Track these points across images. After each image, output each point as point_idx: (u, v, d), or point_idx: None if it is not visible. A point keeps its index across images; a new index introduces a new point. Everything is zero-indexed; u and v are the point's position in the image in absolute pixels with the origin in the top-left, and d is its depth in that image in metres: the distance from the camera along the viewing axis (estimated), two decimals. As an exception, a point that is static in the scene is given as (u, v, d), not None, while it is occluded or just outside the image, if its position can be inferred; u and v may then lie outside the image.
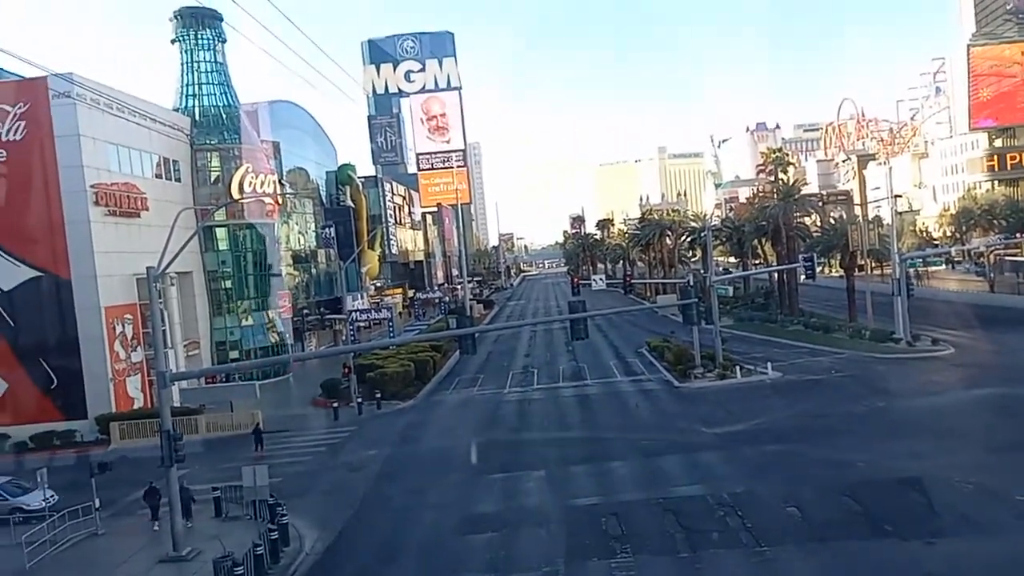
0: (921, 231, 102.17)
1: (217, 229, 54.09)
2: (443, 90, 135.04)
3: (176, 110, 53.25)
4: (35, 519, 24.37)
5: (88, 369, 40.86)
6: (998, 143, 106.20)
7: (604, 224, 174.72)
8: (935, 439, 27.54)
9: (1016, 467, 23.44)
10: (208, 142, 53.37)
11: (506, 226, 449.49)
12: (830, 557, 18.45)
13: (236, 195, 52.58)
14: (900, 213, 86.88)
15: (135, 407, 42.24)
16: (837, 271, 75.02)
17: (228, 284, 54.28)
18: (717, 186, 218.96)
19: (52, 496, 25.85)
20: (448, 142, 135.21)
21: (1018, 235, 63.66)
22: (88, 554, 23.27)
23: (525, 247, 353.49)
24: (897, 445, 26.97)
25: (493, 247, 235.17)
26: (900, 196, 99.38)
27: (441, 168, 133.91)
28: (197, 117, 53.53)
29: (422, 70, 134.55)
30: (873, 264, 62.55)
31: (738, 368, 42.89)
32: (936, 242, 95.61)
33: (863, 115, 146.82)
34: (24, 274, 40.53)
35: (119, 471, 27.22)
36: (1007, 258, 73.07)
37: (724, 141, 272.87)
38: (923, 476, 22.94)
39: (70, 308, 40.79)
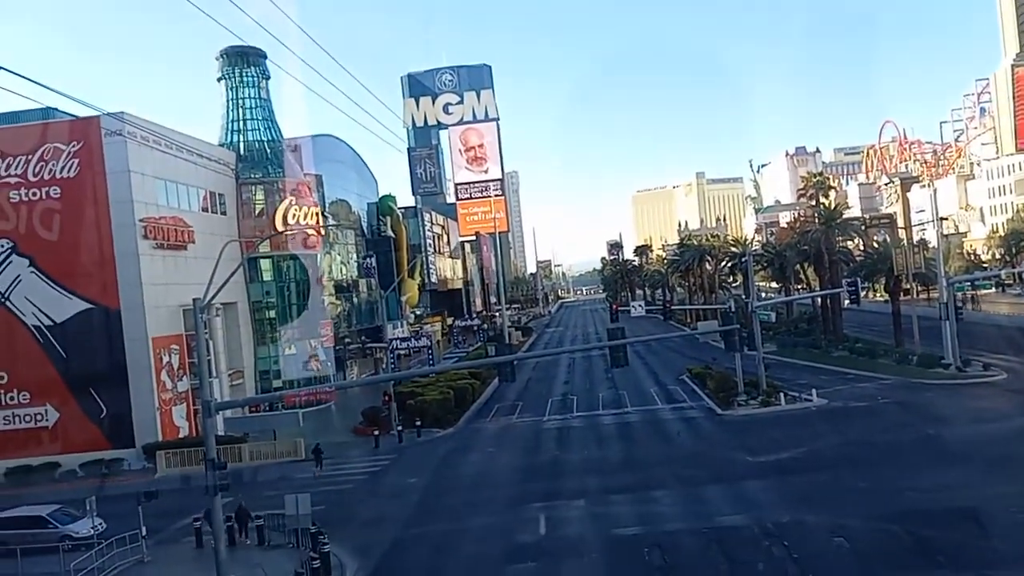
0: (969, 254, 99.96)
1: (261, 260, 55.08)
2: (481, 121, 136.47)
3: (222, 145, 54.65)
4: (83, 547, 24.83)
5: (136, 398, 41.70)
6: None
7: (642, 250, 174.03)
8: (988, 468, 26.70)
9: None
10: (253, 176, 54.60)
11: (544, 253, 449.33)
12: (880, 589, 17.96)
13: (280, 227, 53.56)
14: (946, 236, 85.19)
15: (180, 436, 42.93)
16: (882, 295, 73.62)
17: (272, 314, 55.15)
18: (757, 211, 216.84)
19: (100, 524, 26.31)
20: (486, 172, 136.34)
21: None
22: (135, 581, 23.61)
23: (563, 274, 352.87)
24: (948, 474, 26.23)
25: (531, 274, 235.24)
26: (946, 218, 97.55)
27: (479, 197, 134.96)
28: (242, 152, 54.84)
29: (460, 102, 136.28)
30: (919, 288, 61.33)
31: (782, 395, 42.19)
32: (985, 265, 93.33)
33: (905, 137, 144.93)
34: (76, 306, 41.67)
35: (164, 499, 27.65)
36: (1060, 280, 71.05)
37: (763, 166, 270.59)
38: (976, 506, 22.23)
39: (119, 339, 41.77)
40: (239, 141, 55.23)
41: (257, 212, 54.69)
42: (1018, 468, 26.55)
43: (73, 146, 41.88)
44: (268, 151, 55.42)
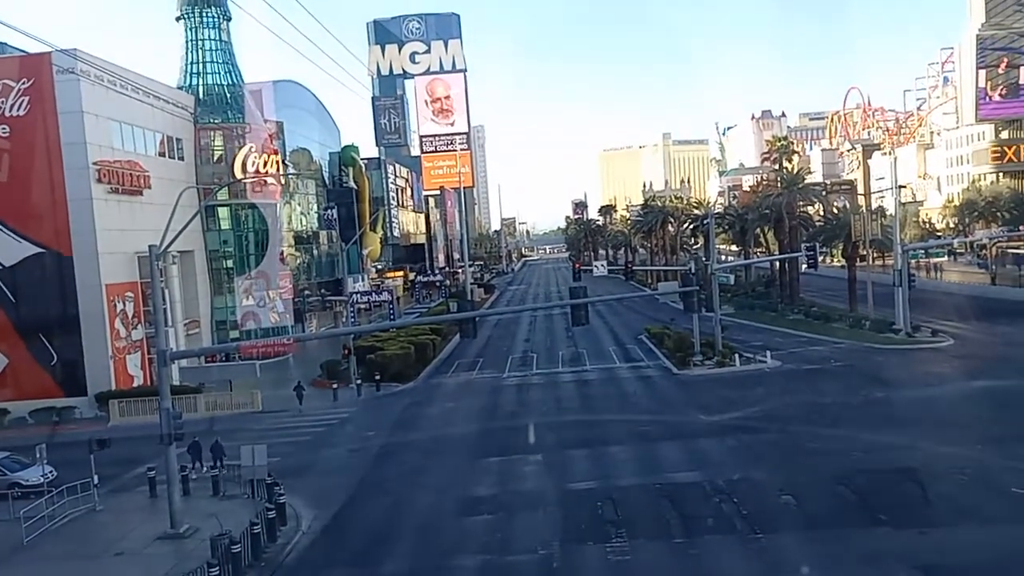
0: (924, 222, 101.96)
1: (219, 208, 54.08)
2: (448, 72, 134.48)
3: (180, 88, 53.09)
4: (33, 494, 24.55)
5: (88, 346, 40.96)
6: (1004, 135, 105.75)
7: (606, 210, 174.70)
8: (932, 430, 27.56)
9: (1013, 459, 23.47)
10: (212, 121, 53.25)
11: (508, 210, 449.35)
12: (824, 545, 18.53)
13: (239, 174, 52.50)
14: (904, 204, 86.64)
15: (135, 385, 42.39)
16: (839, 261, 74.83)
17: (229, 264, 54.34)
18: (721, 173, 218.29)
19: (51, 472, 25.99)
20: (452, 125, 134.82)
21: (1021, 228, 63.58)
22: (86, 530, 23.43)
23: (527, 231, 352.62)
24: (894, 435, 27.02)
25: (495, 231, 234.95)
26: (904, 187, 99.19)
27: (444, 151, 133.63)
28: (201, 96, 53.37)
29: (427, 52, 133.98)
30: (875, 254, 62.45)
31: (737, 356, 42.92)
32: (939, 233, 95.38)
33: (869, 104, 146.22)
34: (26, 250, 40.55)
35: (117, 448, 27.33)
36: (1009, 251, 72.93)
37: (729, 128, 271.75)
38: (919, 466, 23.01)
39: (71, 285, 40.85)
40: (198, 84, 53.76)
41: (216, 158, 53.53)
42: (959, 430, 27.44)
43: (23, 83, 40.36)
44: (228, 95, 54.04)
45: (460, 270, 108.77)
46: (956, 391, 34.13)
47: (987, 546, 17.86)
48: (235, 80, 54.73)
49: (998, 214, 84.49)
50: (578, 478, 25.11)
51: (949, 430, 27.49)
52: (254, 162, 53.77)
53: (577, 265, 69.50)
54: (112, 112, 43.24)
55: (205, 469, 27.20)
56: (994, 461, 23.49)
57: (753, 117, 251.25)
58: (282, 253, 59.34)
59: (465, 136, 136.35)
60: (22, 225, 40.59)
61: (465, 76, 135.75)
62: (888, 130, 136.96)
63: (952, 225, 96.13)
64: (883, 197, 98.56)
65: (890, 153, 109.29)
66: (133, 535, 22.63)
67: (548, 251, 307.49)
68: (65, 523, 23.58)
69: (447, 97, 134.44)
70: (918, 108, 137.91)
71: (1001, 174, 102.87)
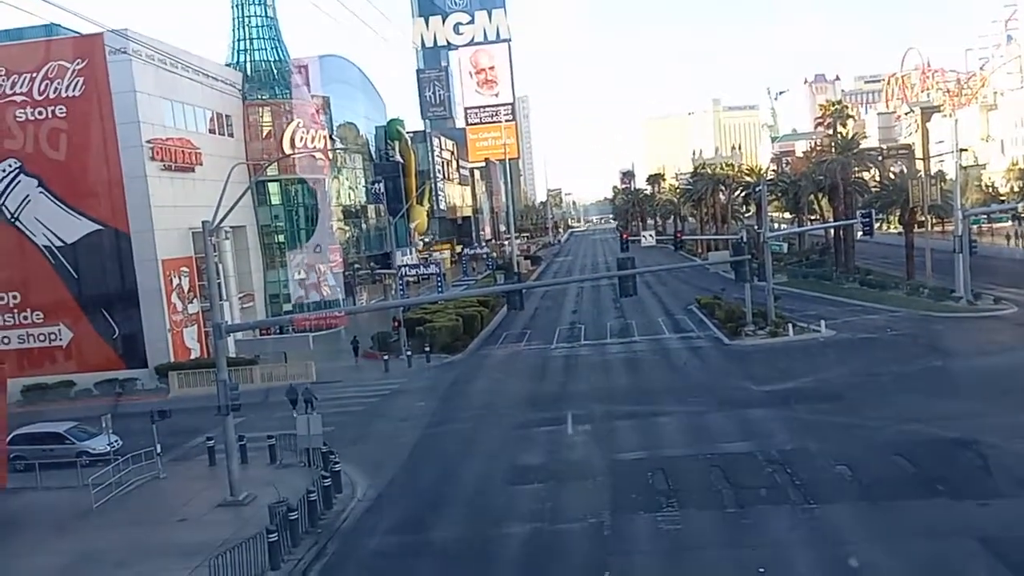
0: (987, 186, 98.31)
1: (270, 184, 54.80)
2: (492, 42, 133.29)
3: (228, 65, 53.69)
4: (100, 462, 25.48)
5: (147, 320, 42.15)
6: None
7: (654, 179, 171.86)
8: (993, 400, 26.74)
9: (1079, 429, 22.71)
10: (260, 97, 53.83)
11: (554, 181, 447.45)
12: (880, 516, 18.23)
13: (288, 150, 53.10)
14: (965, 167, 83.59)
15: (192, 357, 43.54)
16: (896, 228, 72.83)
17: (281, 238, 55.19)
18: (773, 139, 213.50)
19: (116, 441, 26.89)
20: (497, 96, 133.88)
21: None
22: (151, 496, 24.27)
23: (573, 202, 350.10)
24: (953, 405, 26.33)
25: (541, 202, 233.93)
26: (965, 150, 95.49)
27: (489, 122, 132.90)
28: (249, 72, 53.92)
29: (471, 22, 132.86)
30: (934, 220, 60.55)
31: (791, 326, 42.19)
32: (1003, 198, 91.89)
33: (928, 65, 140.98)
34: (85, 227, 41.75)
35: (178, 418, 28.18)
36: (1078, 214, 69.98)
37: (781, 93, 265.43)
38: (979, 437, 22.39)
39: (129, 261, 41.98)
40: (246, 61, 54.29)
41: (264, 134, 54.15)
42: (1022, 400, 26.61)
43: (77, 64, 41.22)
44: (275, 72, 54.49)
45: (506, 242, 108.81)
46: (1019, 360, 33.07)
47: (1052, 518, 17.37)
48: (282, 56, 55.15)
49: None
50: (627, 448, 25.09)
51: (1011, 400, 26.64)
52: (302, 137, 54.31)
53: (625, 235, 68.80)
54: (163, 91, 43.98)
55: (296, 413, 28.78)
56: (1060, 431, 22.74)
57: (806, 81, 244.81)
58: (331, 227, 60.03)
59: (510, 107, 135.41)
60: (81, 203, 41.73)
61: (509, 46, 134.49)
62: (948, 91, 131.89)
63: (1017, 189, 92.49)
64: (942, 161, 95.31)
65: (951, 115, 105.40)
66: (195, 502, 23.37)
67: (595, 221, 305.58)
68: (131, 490, 24.43)
69: (491, 68, 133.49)
70: (981, 68, 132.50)
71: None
